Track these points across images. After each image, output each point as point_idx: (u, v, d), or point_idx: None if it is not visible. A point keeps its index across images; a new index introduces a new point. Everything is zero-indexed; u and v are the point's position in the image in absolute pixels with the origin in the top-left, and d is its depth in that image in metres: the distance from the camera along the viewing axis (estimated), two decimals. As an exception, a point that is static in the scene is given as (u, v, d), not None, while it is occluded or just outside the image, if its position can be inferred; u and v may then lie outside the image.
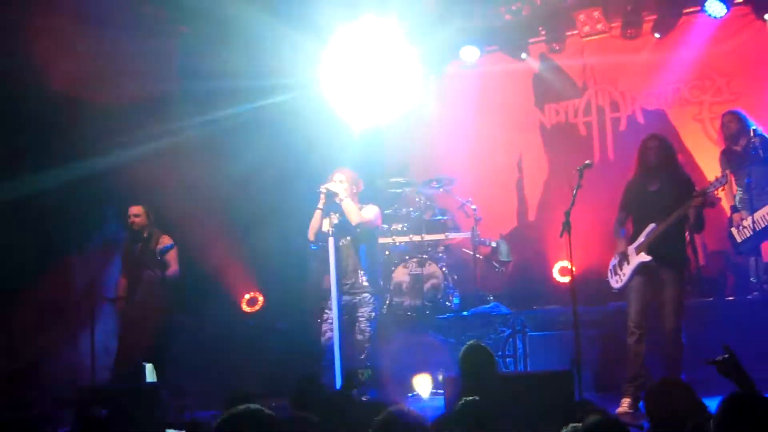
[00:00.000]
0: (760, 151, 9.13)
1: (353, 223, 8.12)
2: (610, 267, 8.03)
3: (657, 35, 10.79)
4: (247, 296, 11.39)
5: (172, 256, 9.08)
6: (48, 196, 9.47)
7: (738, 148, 9.35)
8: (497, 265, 11.10)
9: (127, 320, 9.24)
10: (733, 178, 9.28)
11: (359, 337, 8.18)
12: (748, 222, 9.14)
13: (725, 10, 10.22)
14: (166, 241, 9.18)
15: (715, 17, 10.36)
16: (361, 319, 8.19)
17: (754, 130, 9.13)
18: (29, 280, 9.31)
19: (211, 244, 10.83)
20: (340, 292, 8.14)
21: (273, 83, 11.06)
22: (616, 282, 7.95)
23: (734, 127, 9.34)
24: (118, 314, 9.49)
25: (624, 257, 7.86)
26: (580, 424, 3.77)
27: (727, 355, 4.60)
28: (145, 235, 9.25)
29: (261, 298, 11.34)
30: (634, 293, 7.77)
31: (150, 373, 8.67)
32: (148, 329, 9.04)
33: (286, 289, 11.31)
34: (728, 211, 9.73)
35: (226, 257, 11.18)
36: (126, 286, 9.31)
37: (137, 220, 9.25)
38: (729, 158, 9.44)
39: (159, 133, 10.42)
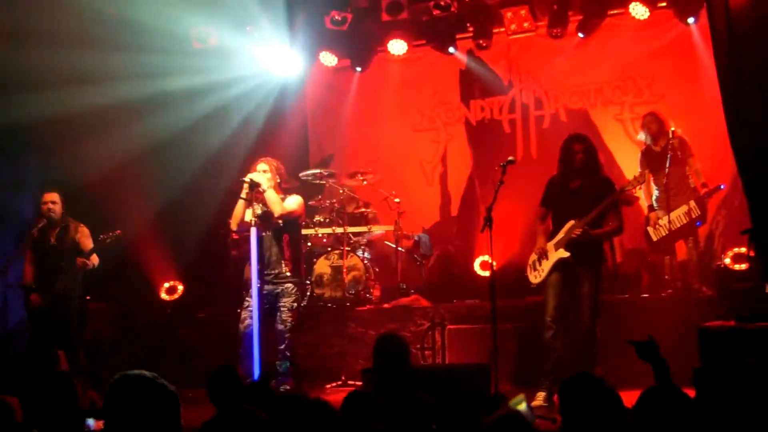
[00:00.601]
0: (678, 152, 9.34)
1: (275, 215, 8.10)
2: (530, 262, 8.14)
3: (581, 35, 10.92)
4: (166, 284, 11.25)
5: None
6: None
7: (657, 149, 9.54)
8: (419, 259, 11.16)
9: (41, 307, 9.02)
10: (651, 178, 9.48)
11: (280, 326, 8.16)
12: (664, 221, 9.35)
13: (648, 13, 10.39)
14: (86, 232, 9.03)
15: (639, 19, 10.52)
16: (282, 309, 8.17)
17: (673, 131, 9.32)
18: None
19: (134, 230, 10.71)
20: (263, 282, 8.10)
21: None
22: (534, 277, 8.06)
23: (654, 128, 9.53)
24: (28, 302, 9.23)
25: (543, 253, 7.97)
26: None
27: (648, 339, 4.70)
28: (61, 223, 9.07)
29: (181, 287, 11.21)
30: (552, 288, 7.88)
31: (64, 361, 8.55)
32: (64, 316, 8.90)
33: (205, 279, 11.22)
34: (645, 211, 9.93)
35: (147, 243, 11.06)
36: (33, 273, 9.10)
37: (55, 207, 9.06)
38: (648, 158, 9.62)
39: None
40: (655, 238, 9.52)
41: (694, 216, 9.29)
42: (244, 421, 3.80)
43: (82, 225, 9.14)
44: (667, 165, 9.29)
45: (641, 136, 9.73)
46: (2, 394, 5.71)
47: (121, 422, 3.61)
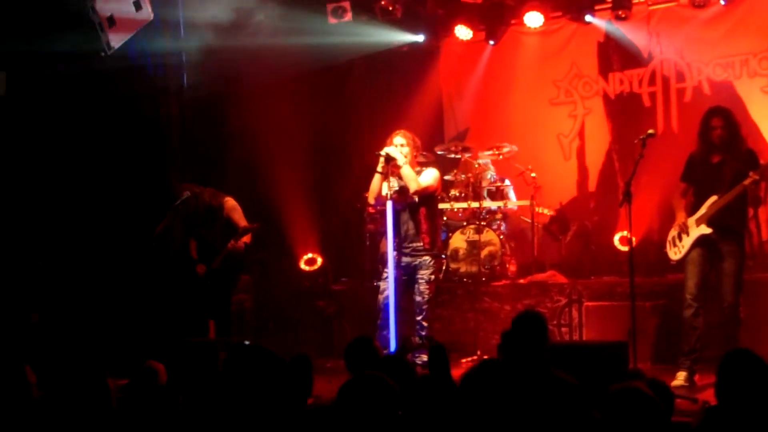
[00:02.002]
0: None
1: (411, 191, 8.14)
2: (669, 238, 7.94)
3: (722, 1, 10.56)
4: (306, 256, 11.49)
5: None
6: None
7: None
8: (556, 234, 11.06)
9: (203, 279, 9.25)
10: None
11: (418, 298, 8.23)
12: None
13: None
14: (234, 205, 9.14)
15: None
16: (420, 280, 8.22)
17: None
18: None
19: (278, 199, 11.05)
20: (400, 254, 8.18)
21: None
22: (674, 253, 7.86)
23: None
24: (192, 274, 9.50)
25: (684, 229, 7.77)
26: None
27: None
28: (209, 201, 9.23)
29: (320, 259, 11.43)
30: (693, 266, 7.69)
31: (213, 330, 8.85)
32: (220, 288, 9.13)
33: (343, 251, 11.44)
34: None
35: (290, 214, 11.36)
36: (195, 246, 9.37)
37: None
38: None
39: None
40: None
41: None
42: (377, 388, 3.89)
43: (227, 197, 9.07)
44: None
45: None
46: (150, 360, 6.01)
47: (234, 389, 3.74)
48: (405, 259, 8.24)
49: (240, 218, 8.96)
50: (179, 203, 9.01)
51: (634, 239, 7.60)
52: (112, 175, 9.89)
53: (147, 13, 9.18)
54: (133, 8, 9.11)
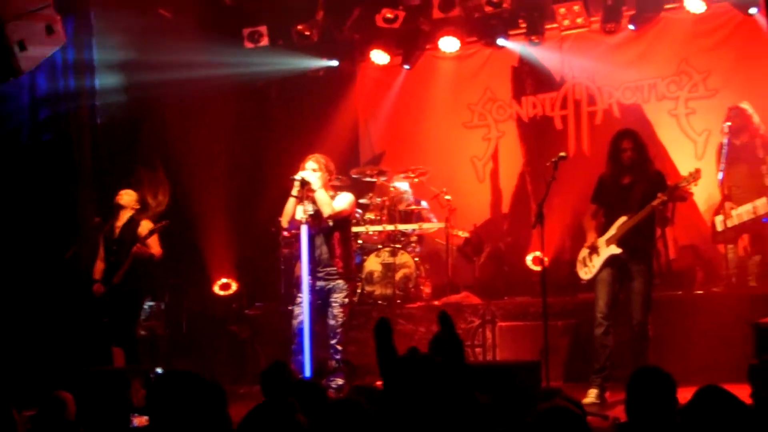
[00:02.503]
0: (760, 151, 9.24)
1: (325, 215, 8.11)
2: (580, 258, 8.05)
3: (631, 27, 10.82)
4: (220, 281, 11.37)
5: (156, 240, 9.04)
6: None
7: (737, 143, 9.40)
8: (470, 256, 11.13)
9: (102, 300, 9.11)
10: (726, 172, 9.37)
11: (332, 322, 8.18)
12: (735, 212, 9.23)
13: (705, 7, 10.27)
14: (149, 225, 9.08)
15: (694, 13, 10.40)
16: (334, 304, 8.18)
17: (759, 128, 9.26)
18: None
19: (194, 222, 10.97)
20: (314, 278, 8.13)
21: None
22: (585, 273, 7.97)
23: (737, 122, 9.39)
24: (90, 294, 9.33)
25: (594, 249, 7.89)
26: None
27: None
28: (127, 216, 9.14)
29: (234, 284, 11.33)
30: (603, 285, 7.80)
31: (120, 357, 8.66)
32: (124, 312, 8.99)
33: (257, 275, 11.34)
34: (701, 206, 9.81)
35: (204, 237, 11.27)
36: (102, 269, 9.21)
37: (124, 197, 9.15)
38: (727, 150, 9.49)
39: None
40: (720, 228, 9.38)
41: (761, 213, 9.15)
42: (282, 414, 3.82)
43: (147, 219, 9.16)
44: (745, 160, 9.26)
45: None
46: (58, 390, 5.84)
47: (165, 419, 3.64)
48: (319, 283, 8.19)
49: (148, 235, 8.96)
50: (90, 228, 8.94)
51: (546, 259, 7.68)
52: (19, 201, 9.64)
53: (59, 37, 9.00)
54: (44, 32, 8.93)
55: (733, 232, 9.38)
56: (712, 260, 9.84)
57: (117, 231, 9.11)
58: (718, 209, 9.51)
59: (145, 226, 9.06)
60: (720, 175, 9.13)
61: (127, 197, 9.18)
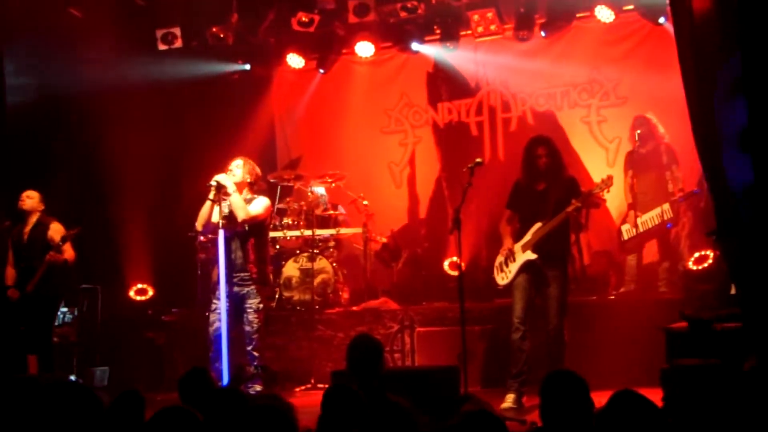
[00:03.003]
0: (664, 157, 9.51)
1: (239, 220, 8.05)
2: (496, 264, 8.14)
3: (543, 33, 11.01)
4: (137, 286, 11.22)
5: (69, 244, 8.87)
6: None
7: (643, 151, 9.65)
8: (387, 261, 11.18)
9: (15, 306, 8.90)
10: (635, 179, 9.61)
11: (247, 328, 8.12)
12: (639, 221, 9.50)
13: (613, 16, 10.50)
14: (59, 228, 8.91)
15: (604, 22, 10.62)
16: (248, 310, 8.12)
17: (663, 137, 9.53)
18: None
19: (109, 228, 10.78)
20: (230, 284, 8.08)
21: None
22: (502, 279, 8.07)
23: (644, 130, 9.65)
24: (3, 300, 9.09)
25: (510, 255, 7.99)
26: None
27: None
28: (34, 220, 8.96)
29: (151, 290, 11.18)
30: (519, 290, 7.90)
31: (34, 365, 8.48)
32: (37, 318, 8.80)
33: (173, 281, 11.20)
34: (613, 213, 10.03)
35: (118, 242, 11.10)
36: (14, 275, 9.00)
37: (27, 201, 8.92)
38: (634, 159, 9.75)
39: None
40: (626, 237, 9.65)
41: (666, 218, 9.43)
42: (178, 421, 3.79)
43: (55, 221, 8.97)
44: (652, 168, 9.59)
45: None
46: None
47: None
48: (234, 289, 8.13)
49: (59, 237, 8.80)
50: (2, 230, 8.76)
51: (463, 265, 7.75)
52: None
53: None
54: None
55: (638, 240, 9.66)
56: (624, 266, 10.06)
57: (26, 235, 8.93)
58: (625, 218, 9.79)
59: (54, 229, 8.89)
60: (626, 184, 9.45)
61: (30, 201, 8.96)
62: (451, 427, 3.78)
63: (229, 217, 8.06)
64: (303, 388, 9.13)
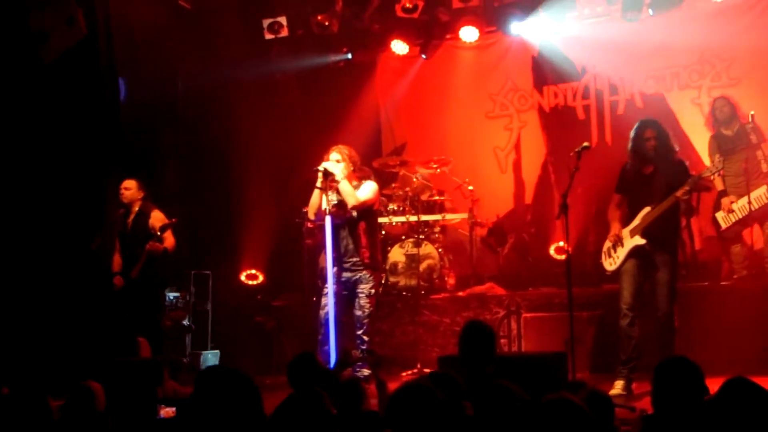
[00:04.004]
0: (753, 137, 9.22)
1: (349, 206, 8.13)
2: (604, 249, 8.04)
3: (651, 12, 10.73)
4: (247, 272, 11.46)
5: (169, 232, 9.12)
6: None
7: (729, 132, 9.41)
8: (493, 246, 11.15)
9: (122, 292, 9.21)
10: (724, 163, 9.35)
11: (358, 312, 8.19)
12: (739, 204, 9.27)
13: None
14: (160, 216, 9.17)
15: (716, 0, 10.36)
16: (360, 295, 8.19)
17: (752, 116, 9.21)
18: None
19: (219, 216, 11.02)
20: (340, 269, 8.16)
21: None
22: (610, 264, 7.96)
23: (727, 111, 9.41)
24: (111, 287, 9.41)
25: (618, 240, 7.88)
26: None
27: None
28: (137, 209, 9.24)
29: (261, 276, 11.41)
30: (628, 276, 7.79)
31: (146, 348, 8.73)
32: (145, 303, 9.09)
33: (282, 267, 11.40)
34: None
35: (230, 229, 11.33)
36: (119, 262, 9.31)
37: (126, 192, 9.22)
38: (719, 142, 9.51)
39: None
40: (724, 225, 9.42)
41: (759, 205, 9.14)
42: (312, 405, 3.86)
43: (156, 209, 9.23)
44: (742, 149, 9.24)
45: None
46: (86, 380, 5.88)
47: (207, 413, 3.71)
48: (345, 274, 8.21)
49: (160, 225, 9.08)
50: (114, 219, 9.04)
51: (570, 250, 7.68)
52: (44, 190, 9.71)
53: (79, 29, 9.05)
54: (65, 24, 8.98)
55: (737, 227, 9.39)
56: (730, 255, 9.79)
57: (129, 224, 9.22)
58: (719, 205, 9.50)
59: (155, 217, 9.14)
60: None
61: (129, 193, 9.23)
62: (534, 413, 3.77)
63: (339, 204, 8.15)
64: (409, 372, 9.18)
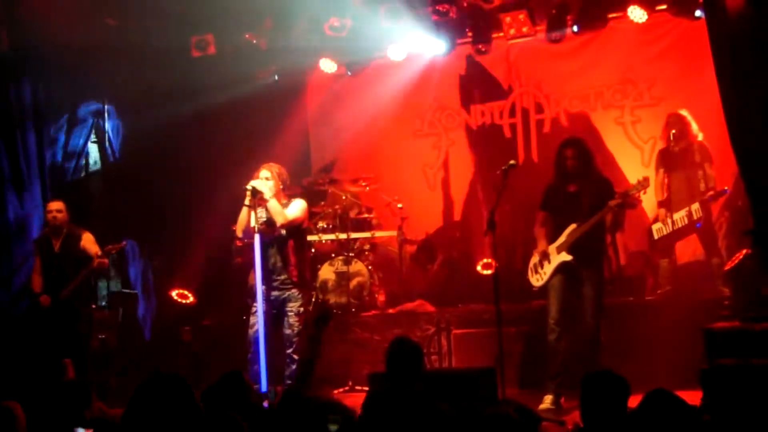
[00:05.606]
0: (697, 156, 9.42)
1: (278, 224, 8.11)
2: (531, 265, 8.18)
3: (575, 29, 10.86)
4: (176, 291, 11.34)
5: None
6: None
7: (676, 149, 9.58)
8: (423, 264, 11.22)
9: (48, 312, 9.04)
10: (666, 178, 9.55)
11: (287, 331, 8.15)
12: (669, 219, 9.42)
13: (646, 16, 10.43)
14: (91, 238, 9.08)
15: (637, 22, 10.56)
16: (289, 313, 8.15)
17: (696, 135, 9.45)
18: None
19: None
20: (269, 288, 8.12)
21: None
22: (536, 280, 8.10)
23: (677, 128, 9.57)
24: (35, 307, 9.22)
25: (545, 256, 8.01)
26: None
27: None
28: (66, 231, 9.12)
29: (191, 295, 11.29)
30: (555, 291, 7.92)
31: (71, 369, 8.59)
32: (72, 324, 8.95)
33: (210, 286, 11.30)
34: (649, 214, 9.98)
35: (157, 249, 11.23)
36: (41, 283, 9.15)
37: (59, 215, 9.12)
38: (666, 157, 9.69)
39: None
40: (656, 236, 9.59)
41: (695, 218, 9.35)
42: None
43: (86, 231, 9.18)
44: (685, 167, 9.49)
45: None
46: (4, 400, 5.76)
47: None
48: (274, 293, 8.17)
49: (95, 247, 8.98)
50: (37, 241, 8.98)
51: (497, 266, 7.78)
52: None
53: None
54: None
55: (669, 239, 9.59)
56: (658, 268, 9.99)
57: (58, 246, 9.08)
58: (656, 216, 9.73)
59: (86, 239, 9.06)
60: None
61: (62, 216, 9.14)
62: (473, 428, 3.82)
63: (267, 223, 8.12)
64: (340, 390, 9.18)
